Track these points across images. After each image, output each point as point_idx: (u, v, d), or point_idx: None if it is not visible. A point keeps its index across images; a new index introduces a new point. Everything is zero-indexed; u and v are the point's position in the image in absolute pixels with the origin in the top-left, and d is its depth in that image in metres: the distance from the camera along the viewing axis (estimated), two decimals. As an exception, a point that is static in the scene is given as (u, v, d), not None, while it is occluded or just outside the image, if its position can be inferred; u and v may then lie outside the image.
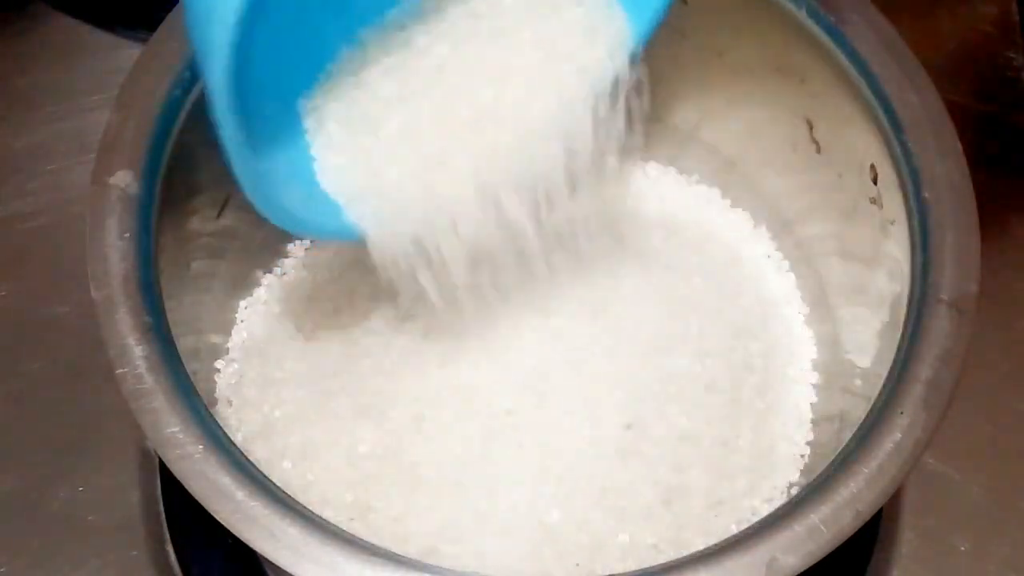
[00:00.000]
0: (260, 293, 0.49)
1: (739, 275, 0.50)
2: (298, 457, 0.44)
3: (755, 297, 0.49)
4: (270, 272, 0.49)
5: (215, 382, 0.46)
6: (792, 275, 0.50)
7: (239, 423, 0.45)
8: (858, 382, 0.43)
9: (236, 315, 0.48)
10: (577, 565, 0.41)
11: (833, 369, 0.47)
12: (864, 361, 0.43)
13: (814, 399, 0.47)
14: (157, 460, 0.48)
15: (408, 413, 0.44)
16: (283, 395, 0.45)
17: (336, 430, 0.44)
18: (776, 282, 0.50)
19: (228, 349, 0.47)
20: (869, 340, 0.42)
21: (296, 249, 0.50)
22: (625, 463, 0.43)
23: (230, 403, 0.45)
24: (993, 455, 0.50)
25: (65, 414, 0.49)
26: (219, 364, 0.46)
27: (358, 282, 0.48)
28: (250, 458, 0.35)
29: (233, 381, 0.46)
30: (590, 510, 0.42)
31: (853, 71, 0.42)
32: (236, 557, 0.45)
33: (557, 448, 0.43)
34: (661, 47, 0.48)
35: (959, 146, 0.40)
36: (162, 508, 0.47)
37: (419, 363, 0.45)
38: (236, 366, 0.46)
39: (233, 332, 0.47)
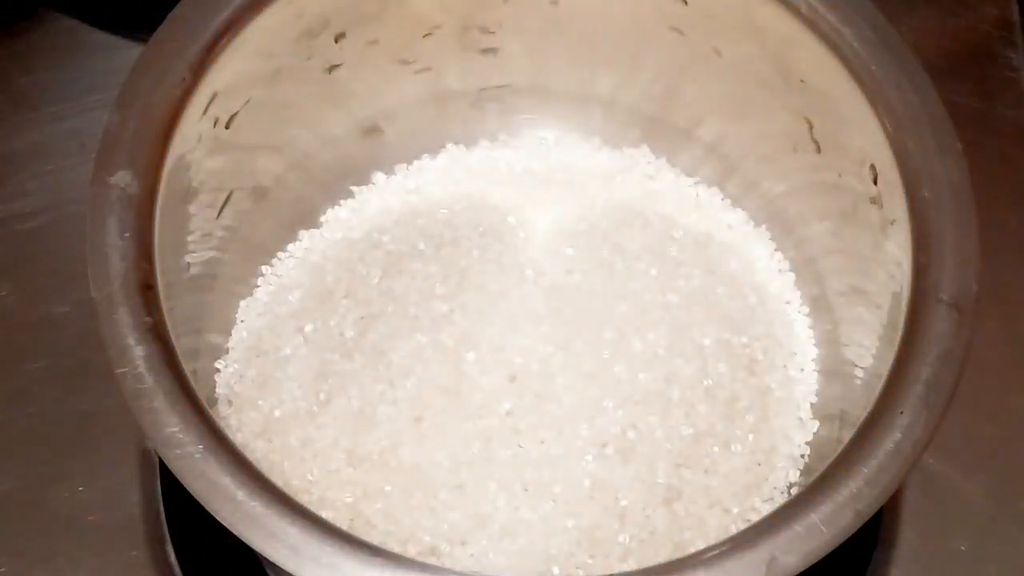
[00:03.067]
0: (260, 293, 0.49)
1: (739, 275, 0.50)
2: (298, 457, 0.44)
3: (755, 297, 0.49)
4: (270, 272, 0.49)
5: (215, 382, 0.46)
6: (792, 275, 0.50)
7: (239, 423, 0.45)
8: (858, 382, 0.43)
9: (236, 315, 0.48)
10: (577, 566, 0.41)
11: (833, 369, 0.47)
12: (864, 361, 0.43)
13: (814, 399, 0.47)
14: (157, 460, 0.48)
15: (408, 414, 0.44)
16: (283, 395, 0.45)
17: (336, 430, 0.44)
18: (776, 282, 0.50)
19: (228, 349, 0.47)
20: (869, 340, 0.42)
21: (296, 249, 0.50)
22: (625, 463, 0.43)
23: (230, 403, 0.45)
24: (993, 455, 0.50)
25: (65, 414, 0.49)
26: (219, 364, 0.46)
27: (358, 282, 0.48)
28: (250, 458, 0.35)
29: (233, 381, 0.46)
30: (590, 510, 0.42)
31: (853, 71, 0.42)
32: (236, 557, 0.45)
33: (557, 449, 0.43)
34: (661, 47, 0.49)
35: (959, 146, 0.40)
36: (162, 508, 0.47)
37: (419, 364, 0.45)
38: (236, 366, 0.46)
39: (233, 332, 0.47)
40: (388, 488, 0.43)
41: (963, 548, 0.48)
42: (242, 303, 0.48)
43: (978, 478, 0.49)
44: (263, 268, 0.49)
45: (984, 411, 0.50)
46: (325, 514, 0.34)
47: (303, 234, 0.51)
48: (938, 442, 0.36)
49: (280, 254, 0.50)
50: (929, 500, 0.48)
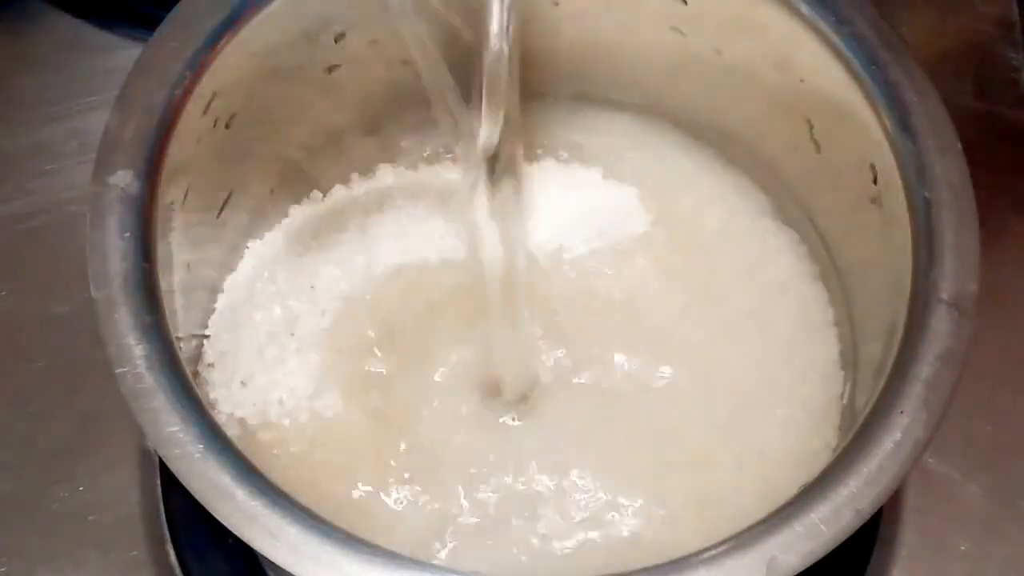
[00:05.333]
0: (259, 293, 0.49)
1: (741, 275, 0.50)
2: (297, 457, 0.44)
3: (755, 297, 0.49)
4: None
5: (215, 381, 0.46)
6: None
7: (238, 422, 0.45)
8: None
9: (236, 315, 0.48)
10: (576, 565, 0.41)
11: (833, 369, 0.47)
12: (865, 360, 0.43)
13: (814, 398, 0.47)
14: (157, 460, 0.48)
15: (409, 413, 0.44)
16: (282, 394, 0.45)
17: (336, 430, 0.44)
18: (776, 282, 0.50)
19: (228, 349, 0.47)
20: (869, 339, 0.42)
21: (296, 249, 0.50)
22: (625, 463, 0.43)
23: (230, 402, 0.45)
24: (993, 455, 0.50)
25: (65, 414, 0.49)
26: (218, 363, 0.46)
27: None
28: (249, 458, 0.35)
29: (232, 381, 0.46)
30: (589, 510, 0.42)
31: (853, 71, 0.42)
32: (236, 557, 0.45)
33: (556, 449, 0.44)
34: (661, 46, 0.49)
35: (959, 146, 0.40)
36: (162, 508, 0.47)
37: (419, 362, 0.45)
38: (236, 366, 0.46)
39: (233, 332, 0.47)
40: (388, 487, 0.43)
41: (963, 548, 0.48)
42: (242, 303, 0.48)
43: (978, 478, 0.49)
44: (263, 269, 0.49)
45: (984, 411, 0.50)
46: (325, 513, 0.34)
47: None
48: (938, 442, 0.36)
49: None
50: (929, 500, 0.48)
